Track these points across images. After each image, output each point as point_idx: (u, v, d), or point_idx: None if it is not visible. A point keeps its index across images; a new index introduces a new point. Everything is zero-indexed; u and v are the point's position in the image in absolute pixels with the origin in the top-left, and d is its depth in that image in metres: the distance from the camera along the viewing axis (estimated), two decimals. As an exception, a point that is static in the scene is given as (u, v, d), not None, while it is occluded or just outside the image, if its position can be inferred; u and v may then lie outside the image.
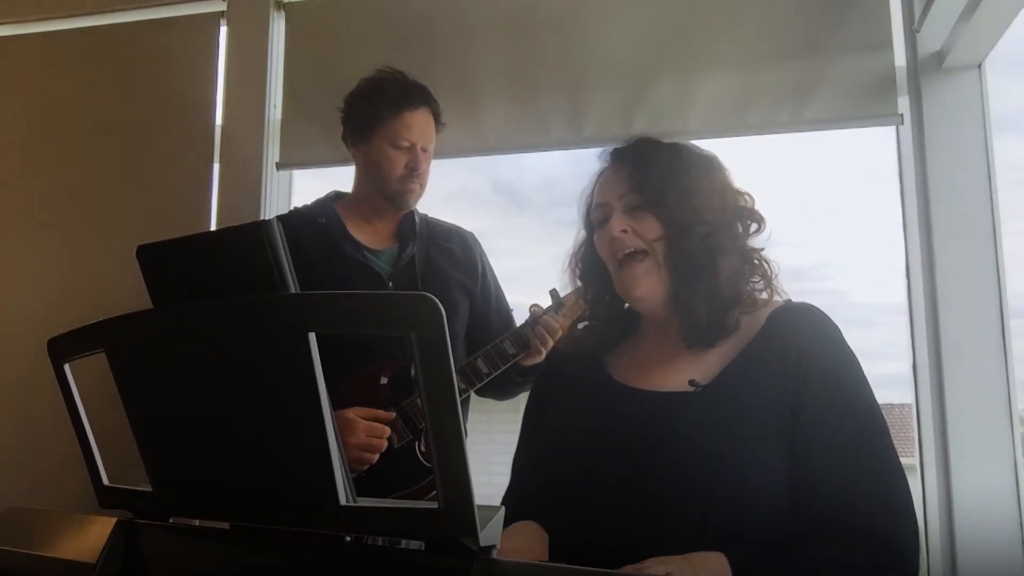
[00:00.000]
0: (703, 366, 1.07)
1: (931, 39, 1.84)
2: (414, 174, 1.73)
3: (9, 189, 2.38)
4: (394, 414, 1.60)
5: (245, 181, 2.20)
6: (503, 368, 1.66)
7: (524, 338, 1.66)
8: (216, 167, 2.24)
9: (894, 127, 1.91)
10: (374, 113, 1.73)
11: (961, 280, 1.77)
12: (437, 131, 1.79)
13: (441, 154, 1.93)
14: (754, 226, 1.13)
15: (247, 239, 0.65)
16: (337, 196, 1.86)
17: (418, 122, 1.73)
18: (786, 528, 0.95)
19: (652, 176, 1.10)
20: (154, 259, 0.72)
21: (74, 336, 0.76)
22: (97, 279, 2.20)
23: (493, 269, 1.90)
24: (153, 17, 2.37)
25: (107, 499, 0.80)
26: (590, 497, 1.02)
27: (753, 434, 0.98)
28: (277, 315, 0.63)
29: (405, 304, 0.59)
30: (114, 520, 0.78)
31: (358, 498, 0.64)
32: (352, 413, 1.55)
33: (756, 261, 1.12)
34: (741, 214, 1.13)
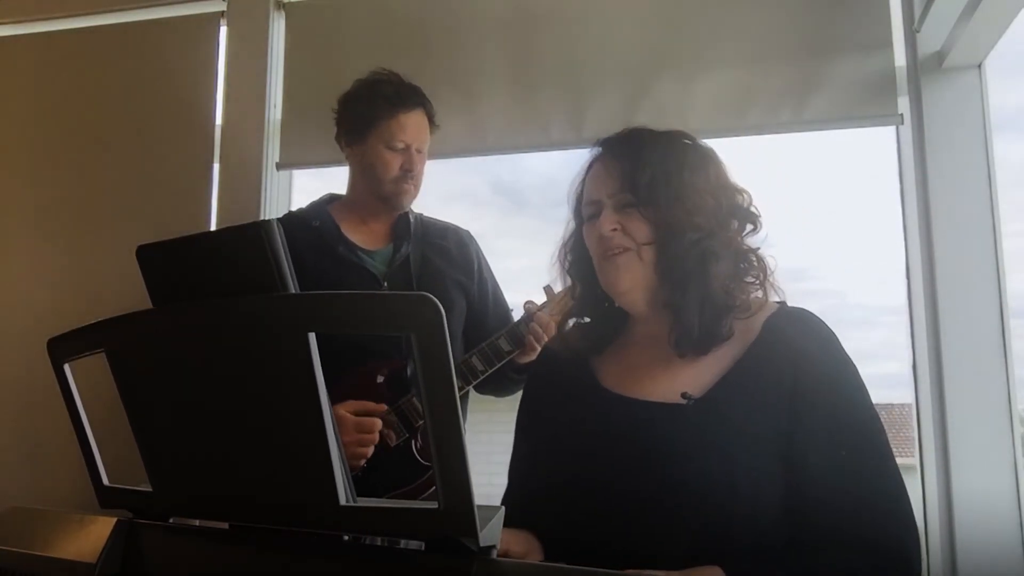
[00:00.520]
0: (695, 375, 1.04)
1: (931, 39, 1.84)
2: (408, 175, 1.73)
3: (9, 189, 2.38)
4: (384, 406, 1.60)
5: (245, 181, 2.20)
6: (498, 365, 1.66)
7: (519, 335, 1.67)
8: (216, 167, 2.24)
9: (894, 127, 1.91)
10: (368, 114, 1.72)
11: (961, 280, 1.76)
12: (431, 132, 1.78)
13: (440, 154, 1.93)
14: (750, 226, 1.11)
15: (247, 239, 0.65)
16: (332, 199, 1.86)
17: (413, 123, 1.73)
18: (783, 539, 0.94)
19: (644, 175, 1.07)
20: (154, 259, 0.72)
21: (74, 336, 0.76)
22: (97, 279, 2.21)
23: (490, 267, 1.89)
24: (153, 17, 2.37)
25: (107, 499, 0.80)
26: (583, 508, 1.00)
27: (748, 448, 0.96)
28: (277, 315, 0.63)
29: (405, 304, 0.59)
30: (114, 520, 0.78)
31: (357, 498, 0.64)
32: (342, 410, 1.54)
33: (752, 260, 1.09)
34: (737, 212, 1.10)
